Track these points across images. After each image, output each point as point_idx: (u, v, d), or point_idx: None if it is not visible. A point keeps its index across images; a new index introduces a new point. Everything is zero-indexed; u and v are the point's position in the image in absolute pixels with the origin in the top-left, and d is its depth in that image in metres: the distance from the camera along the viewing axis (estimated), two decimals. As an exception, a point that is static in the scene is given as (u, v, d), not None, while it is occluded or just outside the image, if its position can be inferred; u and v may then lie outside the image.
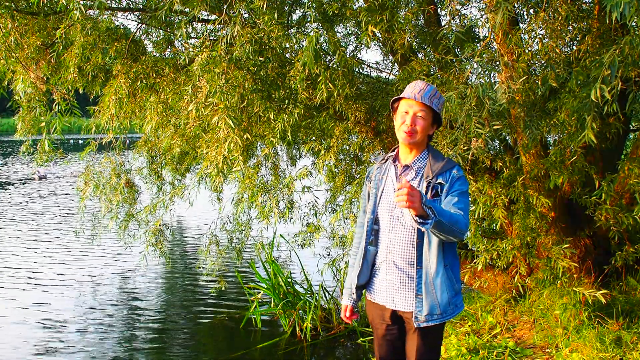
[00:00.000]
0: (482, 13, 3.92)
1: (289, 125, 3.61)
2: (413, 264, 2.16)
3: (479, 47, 2.85)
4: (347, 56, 3.79)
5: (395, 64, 4.84)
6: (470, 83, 2.81)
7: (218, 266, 5.54)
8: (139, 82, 4.35)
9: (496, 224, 4.49)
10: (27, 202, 12.30)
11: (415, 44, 4.34)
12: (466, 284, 4.75)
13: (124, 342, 4.87)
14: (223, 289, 5.69)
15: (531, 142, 3.34)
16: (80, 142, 24.77)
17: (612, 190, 3.33)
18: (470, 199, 3.96)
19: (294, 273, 5.47)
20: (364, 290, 2.37)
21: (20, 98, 4.27)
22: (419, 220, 1.92)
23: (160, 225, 5.64)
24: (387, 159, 2.34)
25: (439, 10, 4.29)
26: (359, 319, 2.45)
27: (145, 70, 4.36)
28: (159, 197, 5.87)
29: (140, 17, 4.77)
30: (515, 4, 3.41)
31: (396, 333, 2.26)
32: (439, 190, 2.14)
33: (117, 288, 6.40)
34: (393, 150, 2.34)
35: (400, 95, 2.23)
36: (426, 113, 2.16)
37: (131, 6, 4.93)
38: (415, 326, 2.15)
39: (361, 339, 4.64)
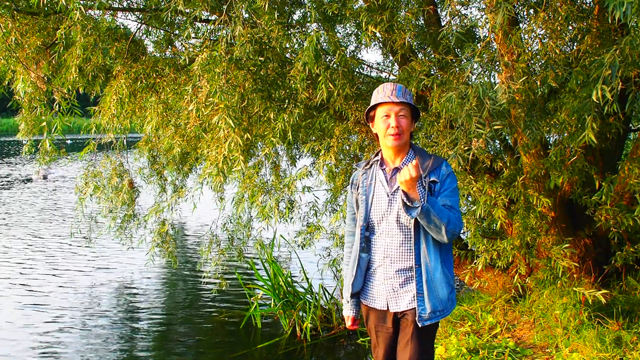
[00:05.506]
0: (482, 13, 3.92)
1: (289, 125, 3.61)
2: (412, 265, 2.17)
3: (479, 47, 2.85)
4: (347, 56, 3.79)
5: (395, 64, 4.85)
6: (470, 83, 2.82)
7: (218, 266, 5.53)
8: (139, 82, 4.36)
9: (496, 224, 4.48)
10: (27, 202, 12.30)
11: (415, 44, 4.34)
12: (466, 284, 4.75)
13: (125, 342, 4.87)
14: (223, 289, 5.69)
15: (531, 142, 3.35)
16: (70, 142, 24.40)
17: (613, 190, 3.33)
18: (470, 199, 3.99)
19: (294, 273, 5.47)
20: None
21: (21, 98, 4.28)
22: (408, 204, 2.03)
23: (165, 225, 5.64)
24: (371, 165, 2.33)
25: (439, 10, 4.29)
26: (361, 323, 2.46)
27: (145, 70, 4.36)
28: (163, 198, 5.86)
29: (140, 17, 4.77)
30: (515, 4, 3.41)
31: (395, 334, 2.28)
32: (433, 189, 2.17)
33: (118, 288, 6.40)
34: (376, 155, 2.33)
35: (375, 102, 2.22)
36: (406, 111, 2.20)
37: (132, 6, 4.93)
38: (420, 325, 2.15)
39: (361, 339, 4.64)
